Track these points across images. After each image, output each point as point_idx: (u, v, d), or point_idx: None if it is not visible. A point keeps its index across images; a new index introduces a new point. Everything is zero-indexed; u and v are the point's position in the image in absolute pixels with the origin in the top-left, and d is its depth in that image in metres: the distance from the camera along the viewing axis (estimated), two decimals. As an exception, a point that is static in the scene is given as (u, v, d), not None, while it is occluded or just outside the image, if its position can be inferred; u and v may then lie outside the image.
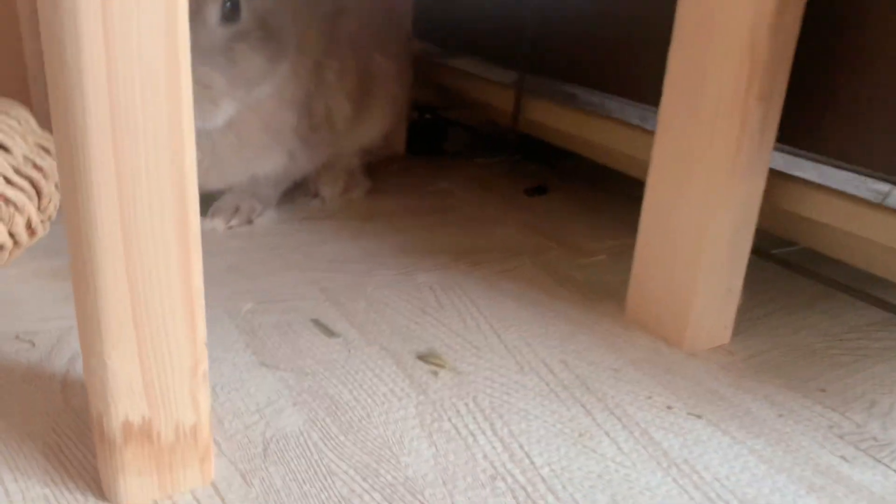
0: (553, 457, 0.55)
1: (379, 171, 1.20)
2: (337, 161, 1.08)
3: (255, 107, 0.85)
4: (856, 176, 0.72)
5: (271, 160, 0.93)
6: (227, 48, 0.77)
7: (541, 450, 0.56)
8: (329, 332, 0.70)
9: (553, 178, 1.25)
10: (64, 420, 0.56)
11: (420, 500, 0.50)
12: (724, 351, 0.73)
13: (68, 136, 0.39)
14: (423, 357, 0.67)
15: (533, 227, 1.03)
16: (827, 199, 0.73)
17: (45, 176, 0.75)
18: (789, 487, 0.54)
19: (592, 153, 1.07)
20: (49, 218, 0.79)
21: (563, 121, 1.09)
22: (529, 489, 0.52)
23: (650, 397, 0.64)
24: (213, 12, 0.76)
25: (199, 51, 0.75)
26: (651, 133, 0.77)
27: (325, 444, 0.55)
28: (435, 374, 0.65)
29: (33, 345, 0.65)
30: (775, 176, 0.74)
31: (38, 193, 0.74)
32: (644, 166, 0.75)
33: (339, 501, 0.49)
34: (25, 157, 0.73)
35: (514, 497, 0.51)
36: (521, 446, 0.56)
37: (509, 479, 0.53)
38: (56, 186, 0.77)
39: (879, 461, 0.57)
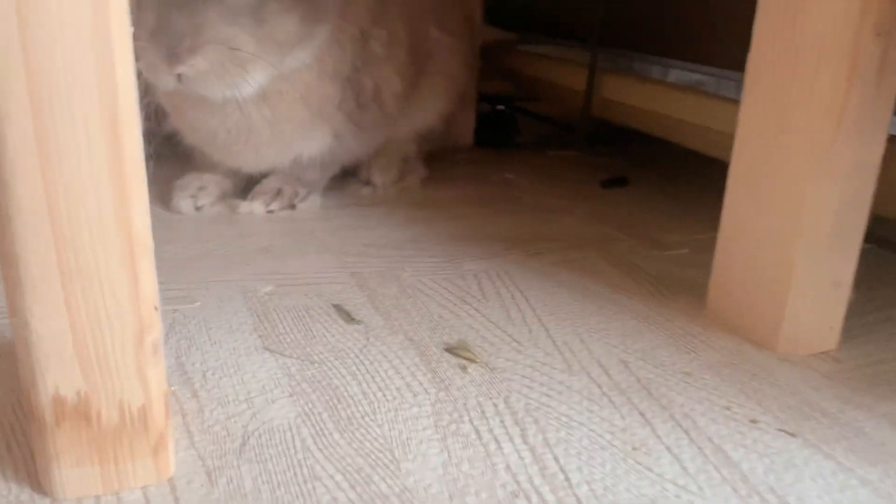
0: (595, 473, 0.44)
1: (440, 161, 1.11)
2: (391, 147, 1.00)
3: (291, 77, 0.78)
4: None
5: (314, 140, 0.86)
6: (256, 6, 0.71)
7: (580, 464, 0.45)
8: (349, 318, 0.61)
9: (633, 171, 1.12)
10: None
11: (418, 517, 0.40)
12: (830, 358, 0.59)
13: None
14: (451, 349, 0.57)
15: (604, 218, 0.91)
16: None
17: None
18: (916, 533, 0.40)
19: (679, 135, 0.94)
20: None
21: (643, 97, 0.97)
22: (559, 512, 0.41)
23: (729, 408, 0.51)
24: (240, -35, 0.70)
25: (224, 9, 0.69)
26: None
27: (315, 443, 0.46)
28: (463, 368, 0.55)
29: None
30: (899, 142, 0.60)
31: None
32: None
33: (318, 511, 0.40)
34: None
35: (538, 521, 0.40)
36: (555, 458, 0.45)
37: (534, 498, 0.41)
38: None
39: None
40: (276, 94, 0.78)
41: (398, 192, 0.98)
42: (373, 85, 0.87)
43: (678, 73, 1.03)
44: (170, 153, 0.89)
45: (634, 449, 0.46)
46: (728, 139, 0.62)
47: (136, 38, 0.72)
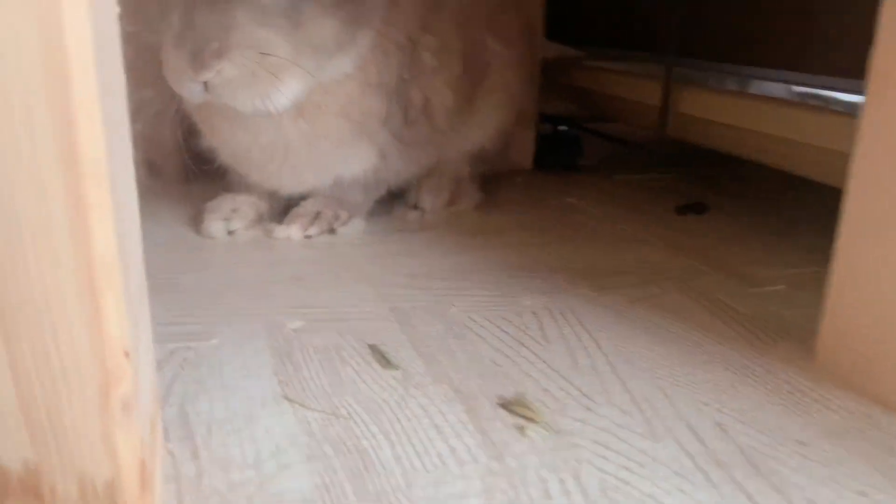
0: (696, 584, 0.33)
1: (496, 184, 1.02)
2: (442, 167, 0.91)
3: (330, 88, 0.70)
4: None
5: (357, 158, 0.78)
6: (292, 7, 0.63)
7: (675, 569, 0.34)
8: (385, 363, 0.52)
9: (713, 196, 1.01)
10: None
11: None
12: None
13: None
14: (507, 405, 0.47)
15: (683, 247, 0.80)
16: None
17: None
18: None
19: (766, 154, 0.83)
20: None
21: (725, 112, 0.86)
22: None
23: (864, 493, 0.40)
24: (275, -37, 0.63)
25: (256, 9, 0.62)
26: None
27: (334, 525, 0.36)
28: (521, 430, 0.45)
29: None
30: None
31: None
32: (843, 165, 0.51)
33: None
34: None
35: None
36: (641, 559, 0.35)
37: None
38: None
39: None
40: (314, 107, 0.71)
41: (449, 216, 0.89)
42: (422, 98, 0.79)
43: (765, 84, 0.91)
44: (205, 172, 0.82)
45: (745, 549, 0.35)
46: (829, 157, 0.52)
47: (161, 43, 0.66)
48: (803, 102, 0.74)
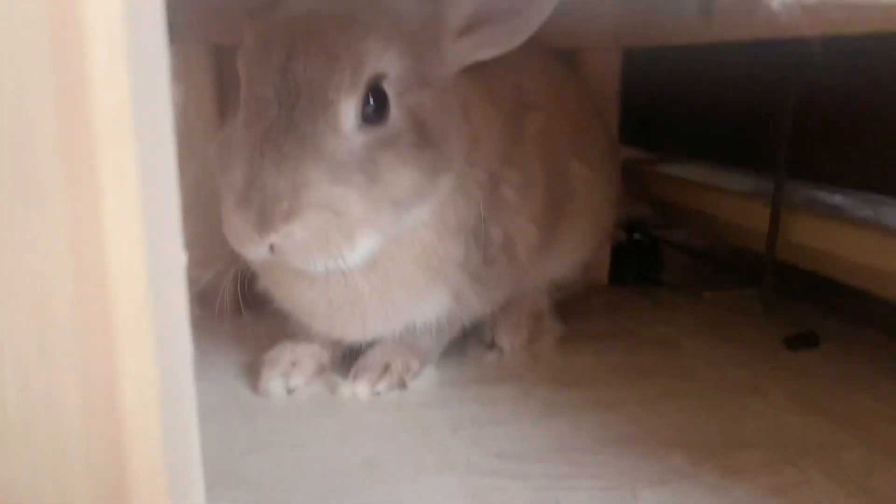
0: None
1: (574, 306, 0.92)
2: (520, 301, 0.82)
3: (405, 238, 0.63)
4: None
5: (430, 304, 0.70)
6: (368, 159, 0.56)
7: None
8: None
9: (815, 318, 0.90)
10: None
11: None
12: None
13: None
14: None
15: (810, 402, 0.69)
16: None
17: None
18: None
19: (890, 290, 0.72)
20: None
21: (841, 242, 0.76)
22: None
23: None
24: (349, 113, 0.55)
25: (329, 164, 0.54)
26: None
27: None
28: None
29: None
30: None
31: None
32: None
33: None
34: None
35: None
36: None
37: None
38: None
39: None
40: (388, 259, 0.63)
41: (529, 358, 0.80)
42: (503, 236, 0.70)
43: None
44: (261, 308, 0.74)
45: None
46: None
47: (223, 200, 0.59)
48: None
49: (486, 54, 0.63)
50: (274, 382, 0.70)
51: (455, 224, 0.65)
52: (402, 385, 0.71)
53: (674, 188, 1.01)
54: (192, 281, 0.77)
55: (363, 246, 0.57)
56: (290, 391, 0.70)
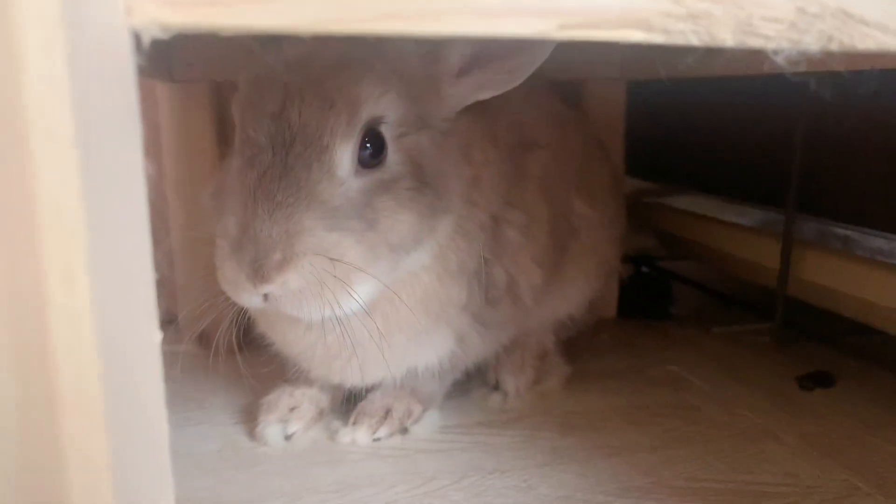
0: None
1: (581, 343, 0.90)
2: (524, 341, 0.80)
3: (406, 281, 0.61)
4: None
5: (432, 348, 0.68)
6: (365, 205, 0.55)
7: None
8: None
9: (828, 356, 0.87)
10: None
11: None
12: None
13: None
14: None
15: (825, 447, 0.67)
16: None
17: None
18: None
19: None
20: None
21: (859, 283, 0.74)
22: None
23: None
24: (345, 158, 0.54)
25: (323, 210, 0.53)
26: None
27: None
28: None
29: None
30: None
31: None
32: None
33: None
34: None
35: None
36: None
37: None
38: None
39: None
40: (387, 303, 0.61)
41: (535, 400, 0.78)
42: (506, 277, 0.68)
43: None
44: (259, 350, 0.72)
45: None
46: None
47: (217, 247, 0.58)
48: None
49: (486, 94, 0.62)
50: (272, 429, 0.68)
51: (456, 267, 0.63)
52: (404, 431, 0.69)
53: (680, 221, 1.00)
54: (192, 322, 0.76)
55: (360, 293, 0.56)
56: (287, 437, 0.68)
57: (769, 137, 0.81)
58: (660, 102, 0.98)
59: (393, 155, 0.56)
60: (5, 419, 0.20)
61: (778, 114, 0.79)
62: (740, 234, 0.87)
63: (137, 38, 0.23)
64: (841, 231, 0.79)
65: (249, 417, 0.71)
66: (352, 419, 0.69)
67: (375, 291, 0.57)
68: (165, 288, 0.82)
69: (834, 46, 0.30)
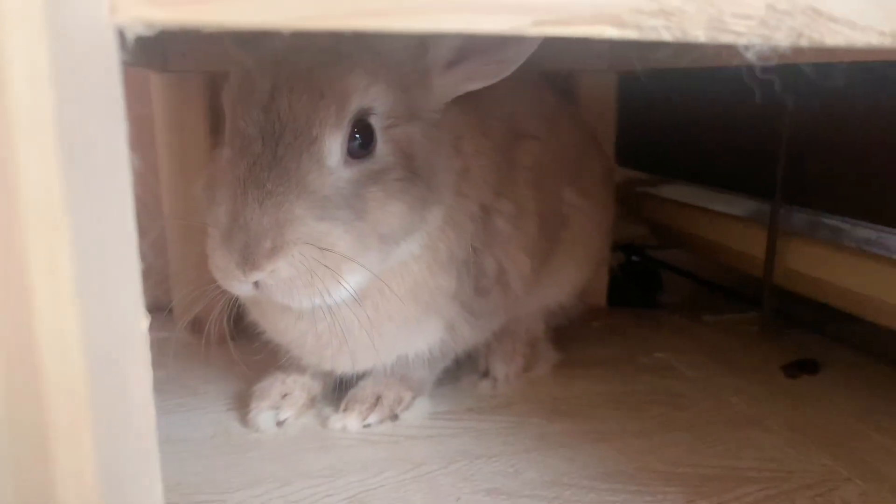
0: None
1: (570, 331, 0.91)
2: (514, 328, 0.81)
3: (395, 271, 0.62)
4: None
5: (422, 336, 0.69)
6: (354, 195, 0.55)
7: None
8: None
9: (812, 343, 0.88)
10: None
11: None
12: None
13: None
14: None
15: (808, 433, 0.68)
16: None
17: None
18: None
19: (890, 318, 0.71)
20: None
21: (838, 271, 0.75)
22: None
23: None
24: (334, 148, 0.55)
25: (313, 200, 0.54)
26: None
27: None
28: None
29: None
30: None
31: None
32: None
33: None
34: None
35: None
36: None
37: None
38: None
39: None
40: (378, 293, 0.62)
41: (524, 386, 0.79)
42: (496, 267, 0.69)
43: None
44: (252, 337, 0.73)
45: None
46: None
47: (209, 236, 0.59)
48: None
49: (475, 85, 0.62)
50: (264, 416, 0.69)
51: (446, 256, 0.64)
52: (394, 417, 0.70)
53: (670, 211, 1.01)
54: (184, 310, 0.76)
55: (350, 282, 0.56)
56: (279, 424, 0.69)
57: (757, 128, 0.82)
58: (650, 93, 0.99)
59: (382, 146, 0.57)
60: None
61: (765, 104, 0.80)
62: (729, 223, 0.88)
63: (122, 35, 0.24)
64: (828, 221, 0.80)
65: (241, 404, 0.73)
66: (343, 406, 0.70)
67: (365, 281, 0.58)
68: (157, 276, 0.82)
69: (804, 42, 0.31)
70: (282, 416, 0.69)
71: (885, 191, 0.67)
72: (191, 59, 0.81)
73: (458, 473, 0.62)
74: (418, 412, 0.72)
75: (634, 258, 1.12)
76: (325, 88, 0.54)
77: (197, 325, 0.88)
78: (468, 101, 0.65)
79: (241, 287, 0.56)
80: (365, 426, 0.69)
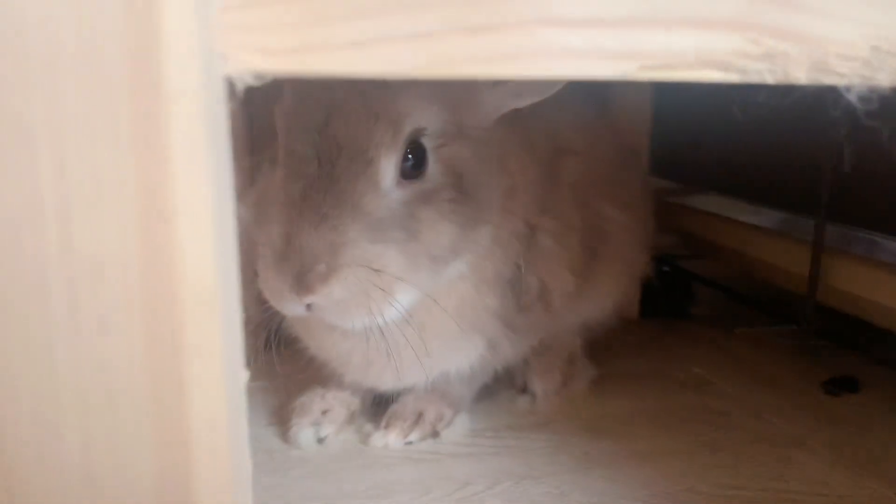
0: None
1: (605, 345, 0.90)
2: (552, 344, 0.81)
3: (442, 290, 0.61)
4: None
5: (464, 353, 0.69)
6: (407, 216, 0.55)
7: None
8: None
9: (850, 358, 0.88)
10: None
11: None
12: None
13: None
14: None
15: (855, 455, 0.68)
16: None
17: None
18: None
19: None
20: None
21: (885, 291, 0.74)
22: None
23: None
24: (388, 170, 0.54)
25: (367, 222, 0.53)
26: None
27: None
28: None
29: None
30: None
31: None
32: None
33: None
34: None
35: None
36: None
37: None
38: None
39: None
40: (424, 312, 0.62)
41: (563, 403, 0.78)
42: (538, 284, 0.69)
43: None
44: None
45: None
46: None
47: (260, 256, 0.58)
48: None
49: (523, 102, 0.62)
50: (305, 433, 0.68)
51: (492, 275, 0.64)
52: (435, 434, 0.70)
53: (705, 221, 1.00)
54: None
55: (401, 302, 0.56)
56: (320, 440, 0.69)
57: (800, 143, 0.81)
58: (688, 103, 0.98)
59: (434, 165, 0.57)
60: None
61: (811, 121, 0.79)
62: (766, 237, 0.87)
63: (231, 85, 0.24)
64: (868, 237, 0.79)
65: (281, 420, 0.72)
66: (384, 422, 0.70)
67: (415, 300, 0.58)
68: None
69: (906, 82, 0.30)
70: (322, 433, 0.69)
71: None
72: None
73: (504, 494, 0.61)
74: (458, 429, 0.72)
75: (665, 269, 1.11)
76: (380, 110, 0.53)
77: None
78: (511, 118, 0.64)
79: (294, 308, 0.55)
80: (406, 443, 0.69)
